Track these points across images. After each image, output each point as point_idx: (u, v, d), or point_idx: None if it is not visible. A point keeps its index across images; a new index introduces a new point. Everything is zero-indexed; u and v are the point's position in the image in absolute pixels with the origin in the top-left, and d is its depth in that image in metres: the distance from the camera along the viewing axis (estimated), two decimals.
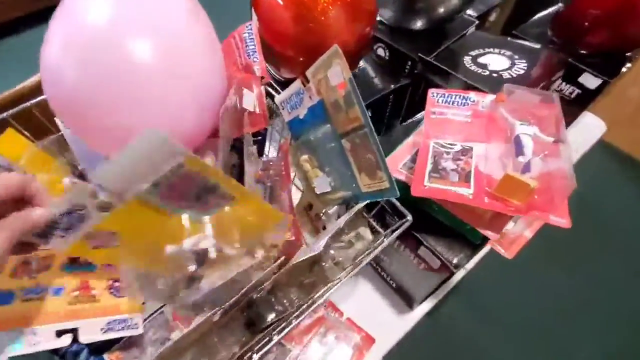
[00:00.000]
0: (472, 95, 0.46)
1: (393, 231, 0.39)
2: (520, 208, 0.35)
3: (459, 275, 0.59)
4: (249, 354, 0.39)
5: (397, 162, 0.44)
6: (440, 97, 0.46)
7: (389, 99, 0.61)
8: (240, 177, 0.49)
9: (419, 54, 0.59)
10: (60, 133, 0.49)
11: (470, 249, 0.43)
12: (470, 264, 0.53)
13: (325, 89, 0.41)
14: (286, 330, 0.39)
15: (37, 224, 0.27)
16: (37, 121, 0.48)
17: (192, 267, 0.35)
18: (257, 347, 0.39)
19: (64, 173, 0.49)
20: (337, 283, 0.40)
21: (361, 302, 0.58)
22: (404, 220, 0.39)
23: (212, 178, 0.30)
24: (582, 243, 1.31)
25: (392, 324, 0.57)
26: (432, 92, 0.47)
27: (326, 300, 0.51)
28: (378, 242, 0.40)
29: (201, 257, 0.34)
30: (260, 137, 0.57)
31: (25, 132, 0.47)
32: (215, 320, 0.40)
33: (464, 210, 0.39)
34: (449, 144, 0.41)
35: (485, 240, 0.42)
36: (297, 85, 0.45)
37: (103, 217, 0.28)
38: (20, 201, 0.27)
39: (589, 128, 0.79)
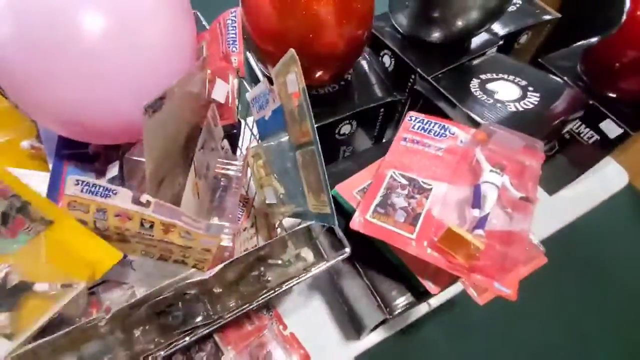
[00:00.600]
0: (453, 127, 0.40)
1: (326, 262, 0.36)
2: (461, 267, 0.31)
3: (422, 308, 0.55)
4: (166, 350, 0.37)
5: (356, 185, 0.41)
6: (418, 122, 0.41)
7: (379, 112, 0.56)
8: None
9: (418, 69, 0.54)
10: None
11: (415, 295, 0.39)
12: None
13: (284, 95, 0.38)
14: (198, 335, 0.38)
15: None
16: None
17: None
18: (172, 345, 0.37)
19: (28, 134, 0.49)
20: (261, 301, 0.38)
21: (310, 318, 0.55)
22: (342, 252, 0.36)
23: (23, 194, 0.24)
24: (588, 283, 1.24)
25: (336, 349, 0.53)
26: (410, 115, 0.42)
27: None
28: (310, 270, 0.37)
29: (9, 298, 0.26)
30: (235, 131, 0.54)
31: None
32: (138, 314, 0.39)
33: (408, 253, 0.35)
34: (407, 177, 0.37)
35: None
36: (263, 85, 0.42)
37: None
38: None
39: (609, 178, 0.71)
